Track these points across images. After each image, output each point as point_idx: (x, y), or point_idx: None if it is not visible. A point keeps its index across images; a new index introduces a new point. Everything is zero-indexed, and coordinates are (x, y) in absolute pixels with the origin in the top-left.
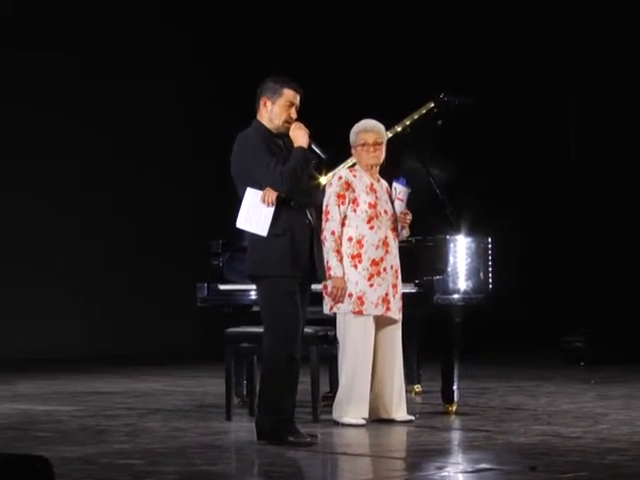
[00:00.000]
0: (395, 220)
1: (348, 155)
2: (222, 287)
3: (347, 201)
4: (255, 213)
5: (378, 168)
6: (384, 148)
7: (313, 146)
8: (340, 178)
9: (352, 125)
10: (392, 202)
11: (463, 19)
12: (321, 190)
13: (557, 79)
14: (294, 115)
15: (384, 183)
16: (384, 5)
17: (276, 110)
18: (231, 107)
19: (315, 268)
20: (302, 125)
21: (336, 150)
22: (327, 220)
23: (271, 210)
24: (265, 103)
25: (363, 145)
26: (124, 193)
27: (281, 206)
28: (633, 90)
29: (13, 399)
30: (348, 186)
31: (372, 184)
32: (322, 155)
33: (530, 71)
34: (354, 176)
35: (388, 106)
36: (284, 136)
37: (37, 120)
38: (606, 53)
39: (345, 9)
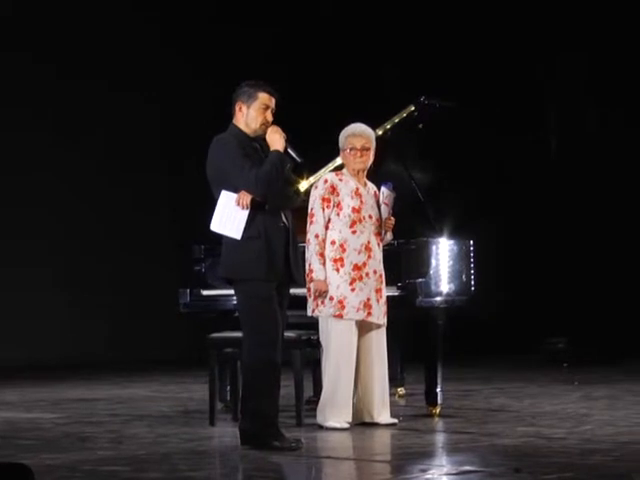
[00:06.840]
0: (380, 225)
1: (328, 159)
2: (205, 292)
3: (332, 205)
4: (229, 216)
5: (365, 172)
6: (372, 153)
7: (289, 150)
8: (326, 181)
9: (332, 128)
10: (379, 207)
11: (442, 24)
12: (299, 195)
13: (537, 80)
14: (270, 118)
15: (372, 187)
16: (375, 9)
17: (252, 114)
18: (216, 109)
19: (291, 271)
20: (279, 129)
21: (316, 153)
22: (311, 223)
23: (245, 213)
24: (240, 108)
25: (351, 149)
26: (107, 196)
27: (256, 209)
28: (612, 89)
29: None
30: (333, 190)
31: (358, 188)
32: (298, 159)
33: (509, 71)
34: (340, 180)
35: (370, 109)
36: (261, 139)
37: (27, 122)
38: (585, 53)
39: (342, 13)
